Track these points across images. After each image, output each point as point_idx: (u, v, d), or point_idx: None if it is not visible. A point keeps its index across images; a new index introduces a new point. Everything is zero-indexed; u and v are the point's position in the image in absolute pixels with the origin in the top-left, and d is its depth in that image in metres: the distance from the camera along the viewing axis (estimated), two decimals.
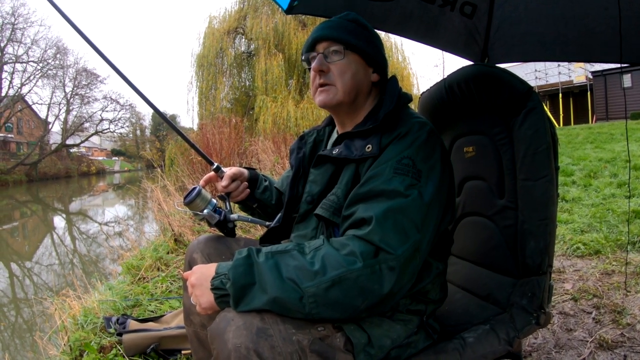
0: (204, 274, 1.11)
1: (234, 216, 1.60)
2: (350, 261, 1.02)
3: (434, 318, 1.31)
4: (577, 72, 24.15)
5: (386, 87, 1.35)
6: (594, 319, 2.40)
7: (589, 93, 23.41)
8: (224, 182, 1.60)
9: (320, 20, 1.63)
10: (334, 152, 1.29)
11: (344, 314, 1.04)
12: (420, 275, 1.18)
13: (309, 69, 1.35)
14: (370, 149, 1.20)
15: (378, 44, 1.37)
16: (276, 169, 7.51)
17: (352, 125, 1.35)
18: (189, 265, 1.55)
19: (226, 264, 1.09)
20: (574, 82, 24.43)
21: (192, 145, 1.80)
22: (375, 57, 1.35)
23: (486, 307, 1.47)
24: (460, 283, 1.67)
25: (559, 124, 22.62)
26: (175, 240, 4.76)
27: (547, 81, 25.21)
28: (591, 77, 23.17)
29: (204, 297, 1.08)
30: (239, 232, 1.62)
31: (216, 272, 1.08)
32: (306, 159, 1.50)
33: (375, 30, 1.41)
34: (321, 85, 1.32)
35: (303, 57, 1.39)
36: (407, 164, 1.12)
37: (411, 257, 1.07)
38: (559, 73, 24.05)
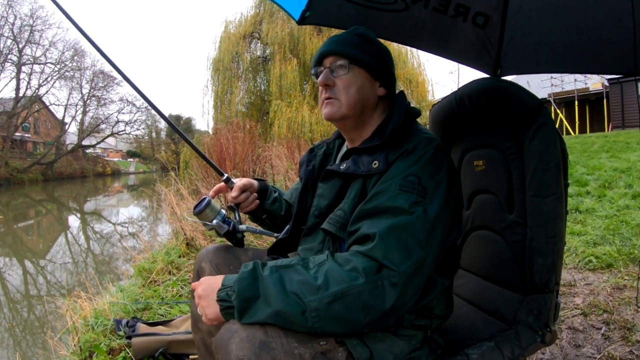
0: (210, 285, 1.13)
1: (242, 227, 1.62)
2: (353, 277, 1.03)
3: (439, 333, 1.30)
4: (594, 79, 23.86)
5: (394, 102, 1.35)
6: (603, 335, 2.37)
7: (605, 100, 23.13)
8: (233, 193, 1.62)
9: (333, 30, 1.64)
10: (341, 168, 1.30)
11: (346, 329, 1.05)
12: (425, 290, 1.18)
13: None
14: (377, 165, 1.20)
15: (385, 57, 1.38)
16: (289, 175, 7.51)
17: (360, 140, 1.36)
18: (197, 274, 1.57)
19: (233, 276, 1.10)
20: (590, 89, 24.13)
21: (202, 156, 1.82)
22: (382, 71, 1.36)
23: (492, 323, 1.46)
24: (467, 297, 1.66)
25: (574, 132, 22.38)
26: (187, 244, 4.80)
27: (563, 88, 24.95)
28: (607, 84, 22.88)
29: (210, 309, 1.10)
30: (248, 241, 1.63)
31: (222, 284, 1.10)
32: (315, 171, 1.51)
33: (388, 40, 1.42)
34: (327, 98, 1.33)
35: (312, 72, 1.40)
36: (413, 181, 1.13)
37: (414, 274, 1.07)
38: (575, 80, 23.78)
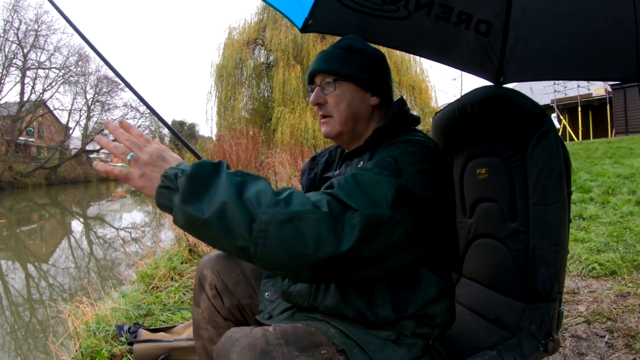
0: (163, 157, 1.02)
1: None
2: (316, 205, 0.95)
3: (441, 341, 1.30)
4: (597, 85, 23.84)
5: (388, 110, 1.36)
6: (606, 343, 2.36)
7: (608, 106, 23.09)
8: None
9: (335, 37, 1.65)
10: (335, 173, 1.34)
11: (290, 258, 0.94)
12: (424, 289, 1.18)
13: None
14: (362, 164, 1.23)
15: (375, 65, 1.38)
16: (292, 181, 7.52)
17: None
18: (199, 282, 1.58)
19: (192, 163, 1.00)
20: (593, 95, 24.10)
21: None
22: (371, 81, 1.36)
23: (495, 331, 1.45)
24: (470, 305, 1.65)
25: (577, 138, 22.34)
26: (190, 250, 4.80)
27: (566, 94, 24.92)
28: (610, 90, 22.85)
29: (147, 179, 1.00)
30: None
31: (177, 166, 0.99)
32: (317, 179, 1.52)
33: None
34: (322, 117, 1.36)
35: (307, 89, 1.43)
36: (389, 162, 1.09)
37: (376, 227, 0.98)
38: (578, 86, 23.77)
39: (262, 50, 18.46)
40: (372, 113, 1.38)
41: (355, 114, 1.34)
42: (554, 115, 22.20)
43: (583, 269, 3.45)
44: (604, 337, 2.42)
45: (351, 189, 1.00)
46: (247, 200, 0.92)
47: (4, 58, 35.60)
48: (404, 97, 1.45)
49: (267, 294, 1.44)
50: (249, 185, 0.96)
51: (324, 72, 1.35)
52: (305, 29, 1.96)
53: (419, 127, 1.41)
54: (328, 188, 1.05)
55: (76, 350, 2.72)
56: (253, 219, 0.90)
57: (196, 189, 0.93)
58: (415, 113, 1.41)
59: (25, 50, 36.93)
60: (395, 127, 1.29)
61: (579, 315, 2.70)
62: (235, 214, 0.90)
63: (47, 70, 39.27)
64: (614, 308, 2.73)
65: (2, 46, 35.44)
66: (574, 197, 5.81)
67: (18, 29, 35.94)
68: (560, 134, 1.42)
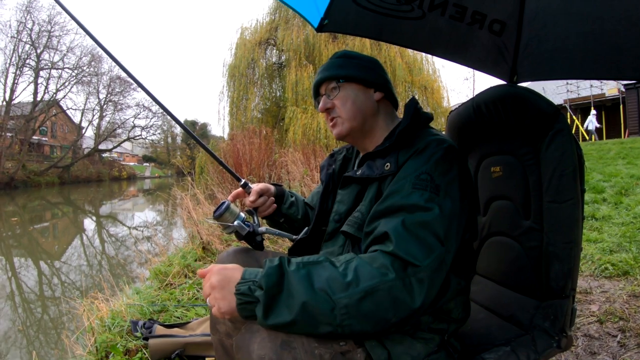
0: (227, 276, 1.08)
1: (262, 229, 1.65)
2: (383, 273, 1.03)
3: (456, 337, 1.32)
4: (610, 85, 23.60)
5: (404, 109, 1.40)
6: (619, 342, 2.35)
7: (621, 106, 22.84)
8: (251, 197, 1.66)
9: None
10: (357, 173, 1.37)
11: (374, 327, 1.03)
12: (441, 290, 1.20)
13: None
14: (388, 167, 1.26)
15: (372, 66, 1.47)
16: (305, 181, 7.52)
17: (372, 147, 1.41)
18: None
19: (254, 270, 1.08)
20: (606, 95, 23.87)
21: (220, 162, 1.85)
22: (371, 77, 1.44)
23: (508, 328, 1.46)
24: (484, 302, 1.66)
25: (590, 138, 22.14)
26: (204, 248, 4.83)
27: (579, 94, 24.71)
28: (623, 89, 22.60)
29: (224, 301, 1.05)
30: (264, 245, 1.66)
31: (243, 277, 1.06)
32: (336, 174, 1.57)
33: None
34: (331, 120, 1.44)
35: (315, 104, 1.52)
36: (426, 179, 1.16)
37: (437, 270, 1.08)
38: (591, 86, 23.58)
39: (274, 50, 18.44)
40: (378, 108, 1.45)
41: (361, 109, 1.41)
42: (593, 113, 21.84)
43: (596, 269, 3.44)
44: (616, 336, 2.42)
45: (408, 241, 1.07)
46: (321, 290, 1.00)
47: (17, 58, 36.08)
48: (416, 97, 1.49)
49: None
50: (315, 275, 1.03)
51: (326, 80, 1.45)
52: (321, 28, 1.98)
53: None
54: (377, 238, 1.12)
55: (91, 345, 2.74)
56: (333, 306, 0.99)
57: (274, 299, 1.01)
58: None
59: (38, 51, 37.37)
60: (414, 126, 1.33)
61: (591, 315, 2.70)
62: (316, 308, 0.99)
63: (60, 71, 39.77)
64: (627, 308, 2.72)
65: (16, 47, 35.94)
66: (586, 197, 5.76)
67: (31, 30, 36.42)
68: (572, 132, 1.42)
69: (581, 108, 24.68)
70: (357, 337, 1.08)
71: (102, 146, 48.84)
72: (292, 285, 1.01)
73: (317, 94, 1.50)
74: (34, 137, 40.61)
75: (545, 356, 1.34)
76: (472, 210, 1.28)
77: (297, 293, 1.00)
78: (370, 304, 1.00)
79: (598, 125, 21.55)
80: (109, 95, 47.17)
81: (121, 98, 48.11)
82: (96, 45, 1.66)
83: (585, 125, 21.76)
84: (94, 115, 47.46)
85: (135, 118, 50.46)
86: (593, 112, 21.82)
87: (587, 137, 21.09)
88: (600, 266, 3.44)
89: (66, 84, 40.67)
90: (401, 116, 1.40)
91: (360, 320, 1.00)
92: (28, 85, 38.23)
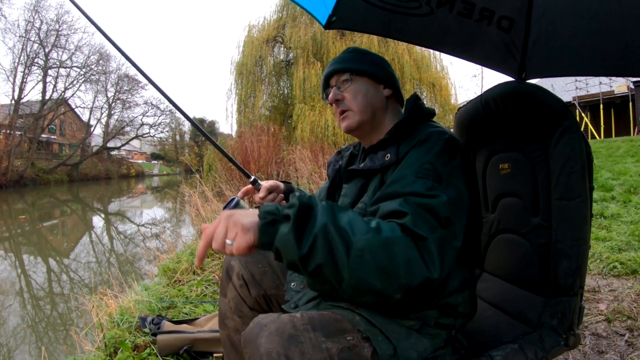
0: (243, 211, 1.03)
1: None
2: (403, 234, 1.02)
3: (463, 334, 1.32)
4: (619, 82, 23.33)
5: (405, 104, 1.44)
6: (626, 341, 2.34)
7: (630, 104, 22.62)
8: (261, 194, 1.66)
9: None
10: (360, 166, 1.41)
11: (383, 282, 0.99)
12: (450, 280, 1.22)
13: (330, 104, 1.49)
14: (389, 157, 1.29)
15: (382, 63, 1.51)
16: (313, 178, 7.53)
17: (377, 141, 1.42)
18: (227, 272, 1.62)
19: (273, 204, 1.04)
20: (615, 92, 23.62)
21: (230, 159, 1.86)
22: (382, 74, 1.47)
23: (516, 326, 1.46)
24: (491, 300, 1.66)
25: (599, 136, 21.95)
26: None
27: (587, 91, 24.48)
28: (633, 87, 22.37)
29: (245, 223, 0.98)
30: None
31: (264, 206, 1.02)
32: (342, 170, 1.59)
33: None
34: (341, 113, 1.45)
35: (323, 96, 1.55)
36: (428, 169, 1.17)
37: (442, 247, 1.07)
38: (600, 83, 23.34)
39: (282, 48, 18.49)
40: (387, 104, 1.47)
41: (372, 104, 1.43)
42: None
43: (604, 267, 3.42)
44: (624, 335, 2.41)
45: (415, 217, 1.06)
46: (342, 228, 0.97)
47: (26, 57, 36.33)
48: (424, 94, 1.50)
49: (293, 284, 1.47)
50: (339, 214, 1.01)
51: (338, 72, 1.47)
52: (329, 25, 1.98)
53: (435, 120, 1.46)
54: (387, 215, 1.11)
55: (100, 340, 2.77)
56: (349, 246, 0.96)
57: (302, 221, 0.97)
58: (435, 110, 1.46)
59: (46, 50, 37.67)
60: (414, 120, 1.35)
61: (599, 314, 2.68)
62: (335, 239, 0.95)
63: (68, 69, 40.11)
64: (635, 307, 2.70)
65: (24, 46, 36.20)
66: (595, 195, 5.73)
67: (39, 29, 36.69)
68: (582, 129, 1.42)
69: (590, 105, 24.47)
70: (359, 292, 1.01)
71: (110, 144, 49.19)
72: (315, 213, 0.99)
73: (327, 86, 1.52)
74: (43, 136, 40.90)
75: (553, 354, 1.34)
76: (476, 200, 1.30)
77: (318, 222, 0.97)
78: (386, 254, 0.98)
79: None
80: (117, 93, 47.56)
81: (129, 96, 48.53)
82: (104, 44, 1.67)
83: None
84: (102, 113, 47.93)
85: (143, 116, 50.91)
86: None
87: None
88: (608, 265, 3.42)
89: (74, 82, 41.08)
90: None
91: (370, 269, 0.97)
92: (37, 84, 38.60)
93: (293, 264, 0.97)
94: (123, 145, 53.11)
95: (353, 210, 1.07)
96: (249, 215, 1.00)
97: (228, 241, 0.98)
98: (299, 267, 0.98)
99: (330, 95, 1.46)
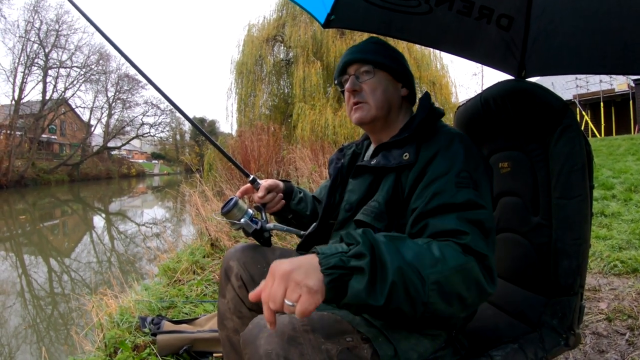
0: (296, 261, 0.91)
1: (270, 225, 1.64)
2: (465, 255, 1.02)
3: (463, 334, 1.31)
4: (619, 80, 23.28)
5: (419, 102, 1.41)
6: (627, 340, 2.34)
7: (631, 102, 22.57)
8: (260, 193, 1.65)
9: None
10: (372, 163, 1.36)
11: (452, 309, 0.99)
12: None
13: (342, 91, 1.45)
14: (407, 157, 1.26)
15: (403, 61, 1.47)
16: (314, 177, 7.51)
17: (387, 139, 1.40)
18: (225, 272, 1.60)
19: (328, 246, 0.94)
20: (616, 90, 23.57)
21: (229, 158, 1.85)
22: (402, 72, 1.43)
23: (516, 326, 1.46)
24: (491, 300, 1.65)
25: (600, 134, 21.92)
26: (212, 244, 4.83)
27: (588, 89, 24.44)
28: (633, 85, 22.32)
29: (311, 280, 0.87)
30: (273, 242, 1.65)
31: (321, 253, 0.91)
32: (344, 169, 1.56)
33: (413, 43, 1.46)
34: (355, 104, 1.40)
35: (336, 81, 1.49)
36: (465, 177, 1.16)
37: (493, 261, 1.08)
38: (600, 81, 23.27)
39: (282, 47, 18.42)
40: (402, 104, 1.45)
41: (389, 101, 1.40)
42: None
43: (604, 266, 3.41)
44: (624, 334, 2.40)
45: (473, 234, 1.06)
46: (412, 265, 0.94)
47: (26, 58, 36.32)
48: None
49: None
50: (402, 248, 0.97)
51: (360, 62, 1.41)
52: (327, 24, 1.97)
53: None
54: (443, 234, 1.08)
55: (100, 340, 2.76)
56: (424, 281, 0.94)
57: (375, 269, 0.91)
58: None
59: (46, 50, 37.67)
60: (431, 119, 1.34)
61: (599, 313, 2.68)
62: (409, 282, 0.92)
63: (68, 69, 40.10)
64: (635, 306, 2.70)
65: (24, 46, 36.19)
66: (596, 194, 5.73)
67: (39, 29, 36.68)
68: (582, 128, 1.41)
69: (590, 104, 24.42)
70: (428, 320, 1.00)
71: (111, 144, 49.24)
72: (384, 257, 0.92)
73: (343, 72, 1.45)
74: (43, 136, 40.91)
75: (553, 354, 1.34)
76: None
77: (390, 266, 0.91)
78: (458, 282, 0.98)
79: None
80: (117, 93, 47.60)
81: (129, 96, 48.56)
82: (104, 44, 1.67)
83: None
84: (102, 113, 47.95)
85: (143, 116, 50.94)
86: None
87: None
88: (609, 263, 3.42)
89: (74, 82, 41.09)
90: None
91: (443, 299, 0.96)
92: (37, 84, 38.59)
93: (364, 311, 0.97)
94: (123, 145, 53.14)
95: (407, 238, 1.03)
96: (311, 271, 0.88)
97: (288, 302, 0.86)
98: (371, 313, 1.00)
99: (348, 85, 1.40)
